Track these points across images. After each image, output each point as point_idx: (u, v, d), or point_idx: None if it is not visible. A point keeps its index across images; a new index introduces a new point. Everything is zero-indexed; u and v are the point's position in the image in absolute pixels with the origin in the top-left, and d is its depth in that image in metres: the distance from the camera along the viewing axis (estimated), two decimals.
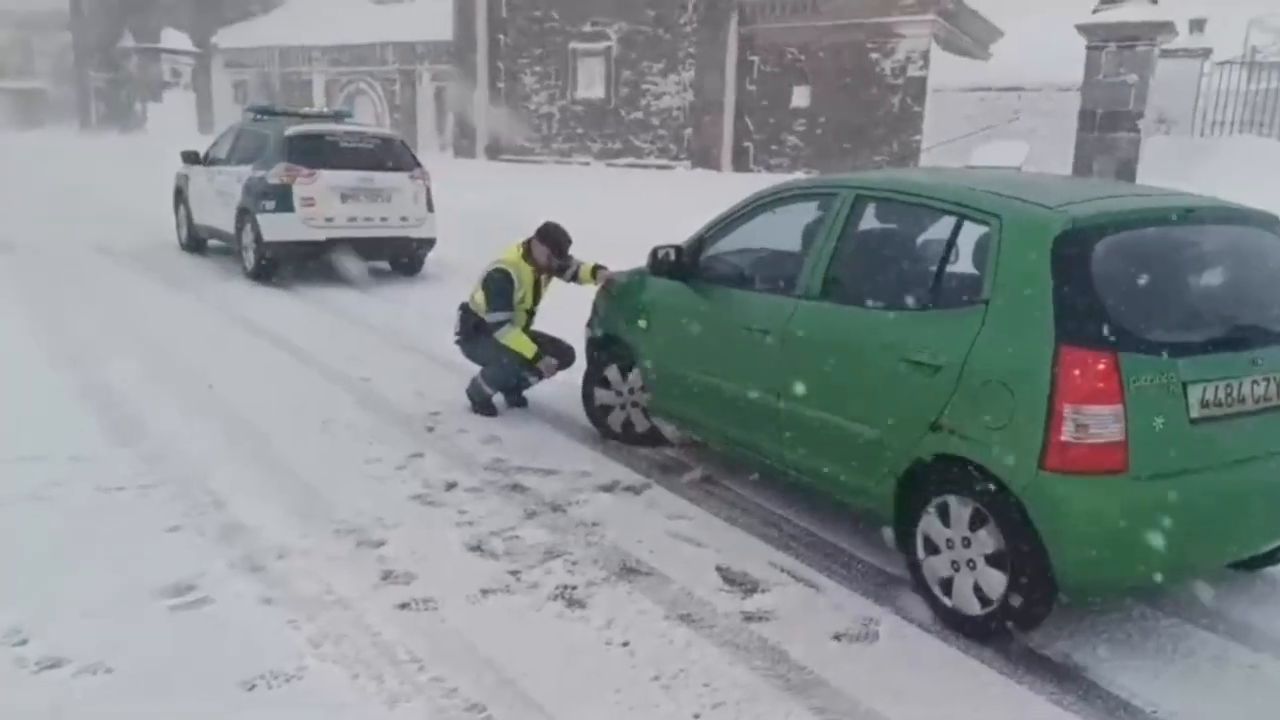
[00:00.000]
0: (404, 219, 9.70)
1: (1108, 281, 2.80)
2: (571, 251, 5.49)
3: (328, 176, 9.28)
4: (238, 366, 6.32)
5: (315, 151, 9.38)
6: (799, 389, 3.64)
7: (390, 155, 9.84)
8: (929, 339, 3.11)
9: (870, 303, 3.44)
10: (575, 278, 5.49)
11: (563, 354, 5.54)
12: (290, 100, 25.86)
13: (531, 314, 5.58)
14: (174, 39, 27.48)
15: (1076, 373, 2.70)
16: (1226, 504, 2.86)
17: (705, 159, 20.52)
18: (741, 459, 4.29)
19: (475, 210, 11.79)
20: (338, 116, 10.71)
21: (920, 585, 3.22)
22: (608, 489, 4.37)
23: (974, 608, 3.03)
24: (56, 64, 37.19)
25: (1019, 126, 16.66)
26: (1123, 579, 2.92)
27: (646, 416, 4.88)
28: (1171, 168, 12.81)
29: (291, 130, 9.48)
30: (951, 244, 3.22)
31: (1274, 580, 3.59)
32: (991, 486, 2.92)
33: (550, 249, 5.37)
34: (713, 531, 3.90)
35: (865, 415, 3.35)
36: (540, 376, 5.50)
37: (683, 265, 4.35)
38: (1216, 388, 2.80)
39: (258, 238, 9.38)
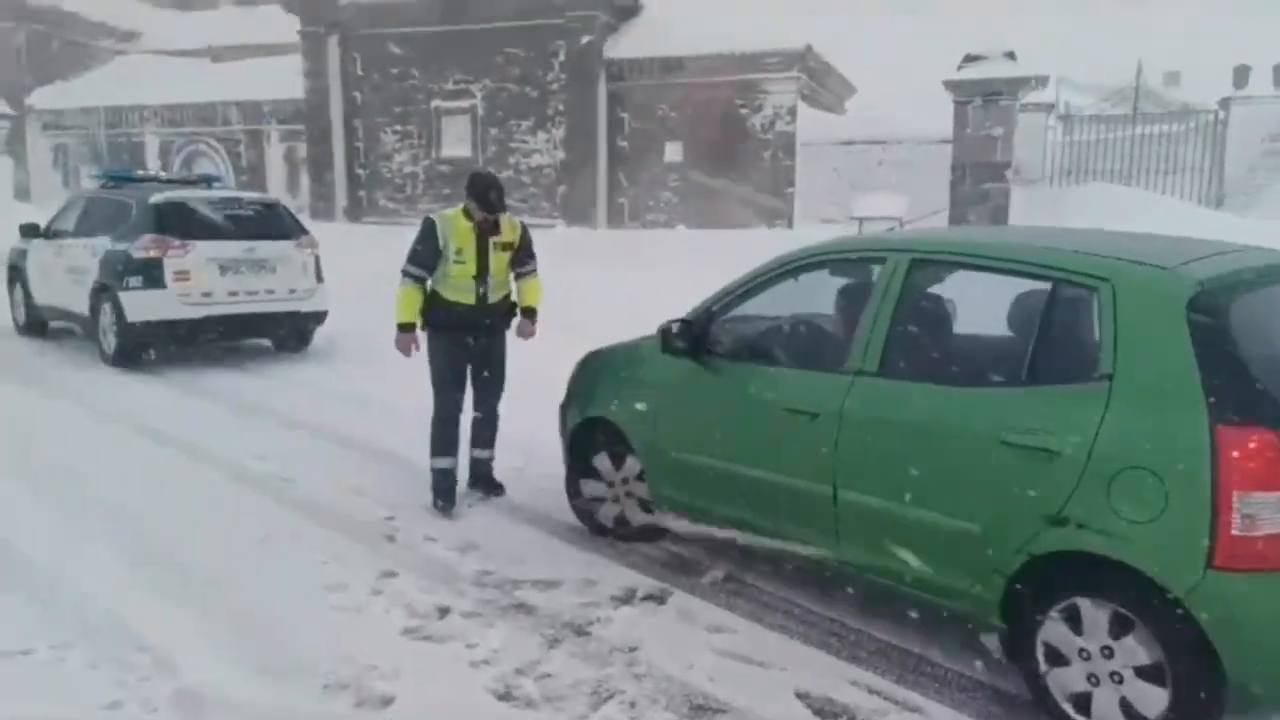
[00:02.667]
0: (292, 291, 8.84)
1: (1250, 348, 2.57)
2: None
3: (204, 248, 8.33)
4: (125, 475, 5.36)
5: (187, 220, 8.41)
6: (861, 478, 3.25)
7: (272, 222, 8.97)
8: (1036, 420, 2.79)
9: (948, 379, 3.10)
10: (520, 279, 5.10)
11: (481, 398, 5.06)
12: (120, 163, 23.94)
13: (480, 279, 4.83)
14: None
15: (1239, 454, 2.43)
16: None
17: (580, 216, 20.24)
18: (769, 553, 3.85)
19: (355, 276, 10.97)
20: (206, 181, 9.74)
21: (1047, 703, 2.85)
22: (625, 600, 3.83)
23: None
24: None
25: (884, 177, 17.27)
26: None
27: (643, 509, 4.37)
28: (1039, 216, 13.50)
29: (158, 198, 8.48)
30: (1048, 312, 2.92)
31: None
32: (1139, 588, 2.59)
33: (474, 199, 4.75)
34: (769, 647, 3.42)
35: (957, 508, 2.98)
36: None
37: (693, 340, 3.90)
38: None
39: (120, 318, 8.28)
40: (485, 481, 5.13)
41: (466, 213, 4.78)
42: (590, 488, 4.54)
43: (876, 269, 3.46)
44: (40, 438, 6.15)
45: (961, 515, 2.96)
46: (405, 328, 4.79)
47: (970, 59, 13.69)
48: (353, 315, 9.77)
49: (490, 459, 5.15)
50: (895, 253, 3.36)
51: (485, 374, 5.01)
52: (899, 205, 14.08)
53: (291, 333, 9.21)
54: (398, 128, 22.16)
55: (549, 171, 20.85)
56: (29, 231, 9.81)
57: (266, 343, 9.45)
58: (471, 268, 4.78)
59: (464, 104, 21.40)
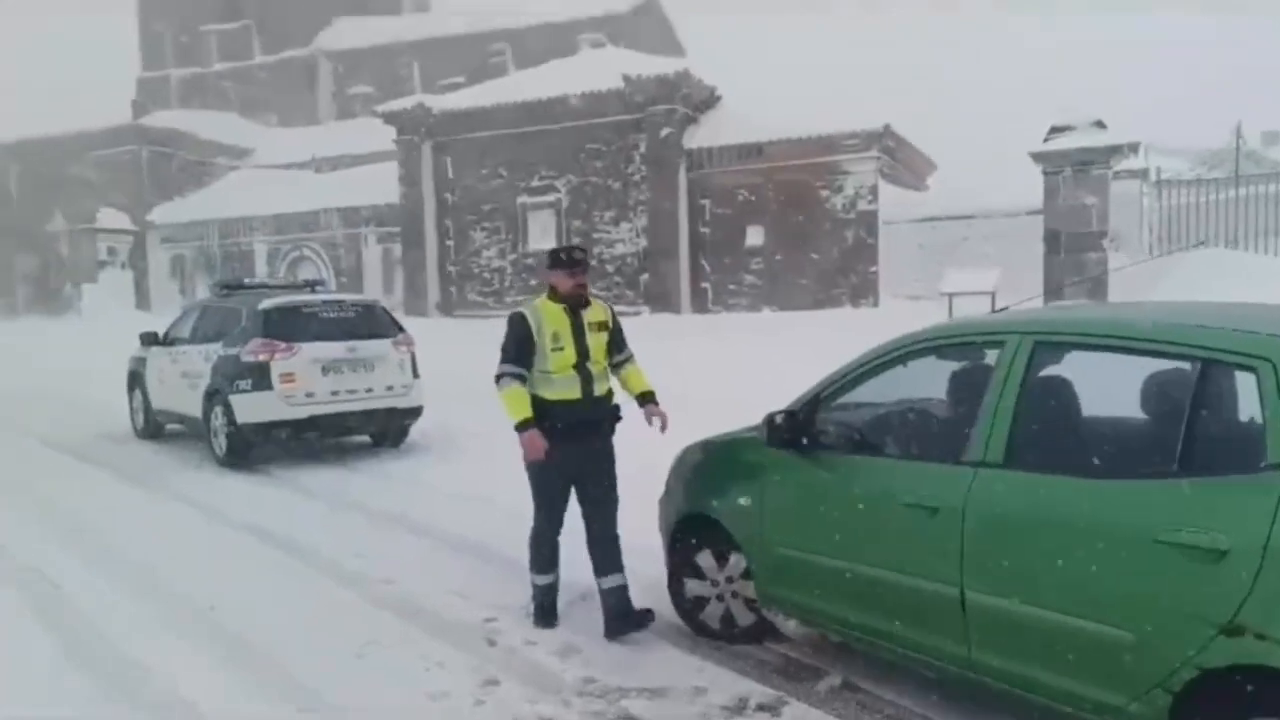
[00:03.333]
0: (389, 388, 9.03)
1: None
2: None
3: (308, 349, 8.62)
4: (232, 576, 5.42)
5: (293, 324, 8.74)
6: (994, 580, 3.02)
7: (371, 322, 9.24)
8: (1197, 515, 2.54)
9: (1085, 470, 2.88)
10: (618, 369, 4.65)
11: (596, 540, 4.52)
12: (231, 270, 25.33)
13: (581, 369, 4.37)
14: (111, 218, 26.98)
15: None
16: None
17: (664, 302, 20.39)
18: (891, 658, 3.60)
19: (448, 370, 11.16)
20: (311, 286, 10.13)
21: None
22: (737, 710, 3.61)
23: None
24: None
25: (970, 251, 16.92)
26: None
27: (751, 609, 4.18)
28: (1142, 286, 12.98)
29: (267, 304, 8.84)
30: (1196, 395, 2.70)
31: None
32: None
33: (558, 267, 4.36)
34: None
35: (1107, 614, 2.72)
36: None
37: (799, 430, 3.76)
38: None
39: (231, 420, 8.57)
40: (625, 615, 4.36)
41: (552, 295, 4.40)
42: (694, 587, 4.37)
43: (993, 351, 3.29)
44: (156, 538, 6.30)
45: (1112, 622, 2.70)
46: (524, 425, 4.29)
47: (1057, 130, 13.46)
48: (447, 409, 9.91)
49: (624, 585, 4.43)
50: (1013, 334, 3.18)
51: (597, 487, 4.49)
52: (989, 279, 13.72)
53: (389, 428, 9.37)
54: (486, 225, 22.92)
55: (632, 260, 21.16)
56: (148, 340, 10.32)
57: (365, 439, 9.62)
58: (571, 354, 4.33)
59: (549, 198, 22.04)
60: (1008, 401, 3.10)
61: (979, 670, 3.15)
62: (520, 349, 4.34)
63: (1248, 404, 2.58)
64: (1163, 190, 15.87)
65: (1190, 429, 2.68)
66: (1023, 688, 3.02)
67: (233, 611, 4.78)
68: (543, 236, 22.22)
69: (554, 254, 4.46)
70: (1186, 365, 2.75)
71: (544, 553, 4.54)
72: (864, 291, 18.56)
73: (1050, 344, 3.12)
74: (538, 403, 4.36)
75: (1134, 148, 16.44)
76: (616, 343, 4.63)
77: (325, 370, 8.69)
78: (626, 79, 19.94)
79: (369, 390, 8.90)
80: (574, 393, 4.37)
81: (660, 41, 31.87)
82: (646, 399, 4.69)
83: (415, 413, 9.32)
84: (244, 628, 4.58)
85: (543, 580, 4.58)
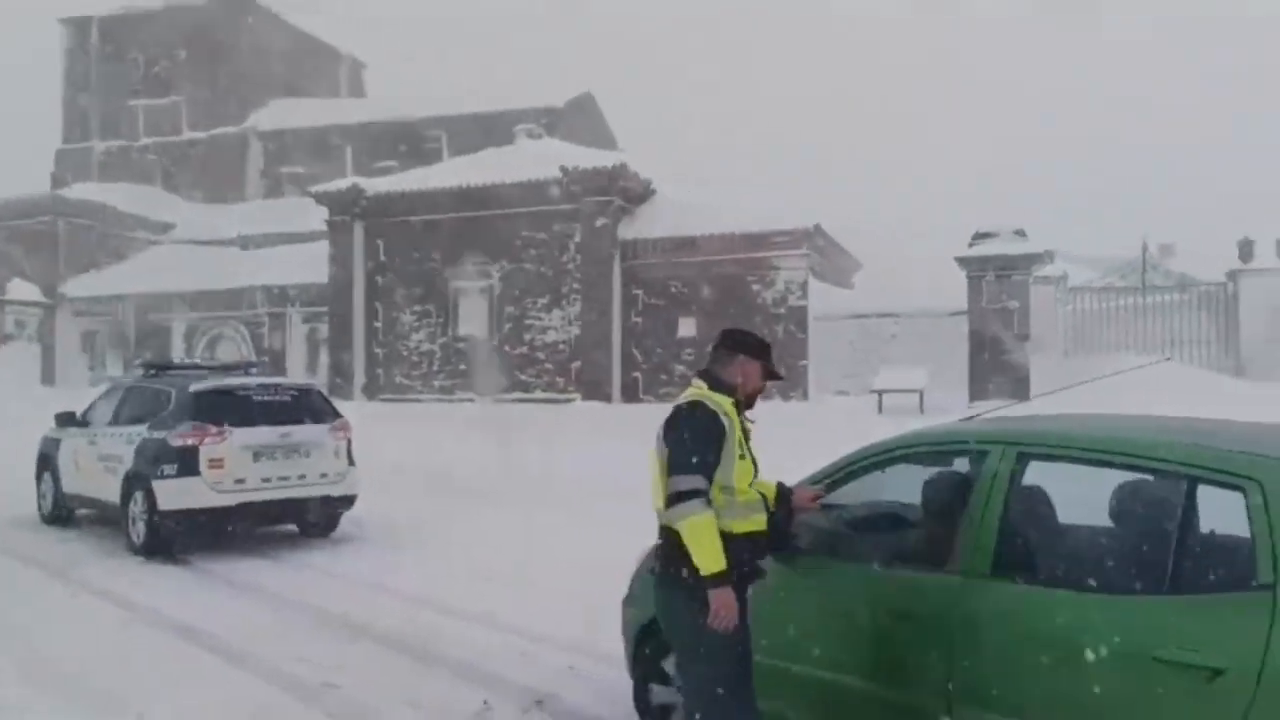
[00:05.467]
0: (324, 475, 8.74)
1: None
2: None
3: (239, 435, 8.30)
4: (161, 681, 5.06)
5: (225, 408, 8.44)
6: (982, 694, 3.00)
7: (307, 406, 8.99)
8: (1191, 633, 2.59)
9: (1077, 584, 2.91)
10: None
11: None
12: (147, 348, 24.47)
13: (758, 493, 3.33)
14: (21, 289, 25.91)
15: None
16: None
17: (595, 391, 20.38)
18: None
19: (376, 456, 10.85)
20: (245, 369, 9.82)
21: None
22: None
23: None
24: None
25: (897, 349, 17.46)
26: None
27: None
28: (1064, 391, 13.54)
29: (198, 386, 8.53)
30: (1185, 513, 2.78)
31: None
32: None
33: (762, 362, 3.41)
34: None
35: None
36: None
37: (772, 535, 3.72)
38: None
39: (152, 507, 8.14)
40: None
41: (716, 388, 3.32)
42: (660, 693, 4.23)
43: (974, 460, 3.35)
44: (61, 636, 5.86)
45: None
46: (721, 578, 3.08)
47: (981, 236, 14.15)
48: (376, 497, 9.63)
49: None
50: (996, 444, 3.25)
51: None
52: (918, 378, 14.14)
53: (321, 518, 9.03)
54: (416, 308, 22.74)
55: (564, 347, 21.18)
56: (64, 420, 9.81)
57: (293, 528, 9.24)
58: (751, 468, 3.31)
59: (481, 284, 22.04)
60: (992, 510, 3.14)
61: None
62: (709, 456, 3.15)
63: (1236, 523, 2.67)
64: (1076, 297, 16.75)
65: (1181, 545, 2.75)
66: None
67: None
68: (474, 321, 22.16)
69: (739, 335, 3.48)
70: (1177, 481, 2.83)
71: None
72: (794, 385, 18.89)
73: (1033, 455, 3.19)
74: (724, 540, 3.14)
75: (1050, 255, 17.42)
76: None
77: (257, 456, 8.37)
78: (564, 170, 20.30)
79: (302, 477, 8.59)
80: (761, 521, 3.29)
81: (595, 135, 32.65)
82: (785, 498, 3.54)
83: (349, 501, 9.01)
84: None
85: None
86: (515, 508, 9.79)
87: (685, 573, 3.14)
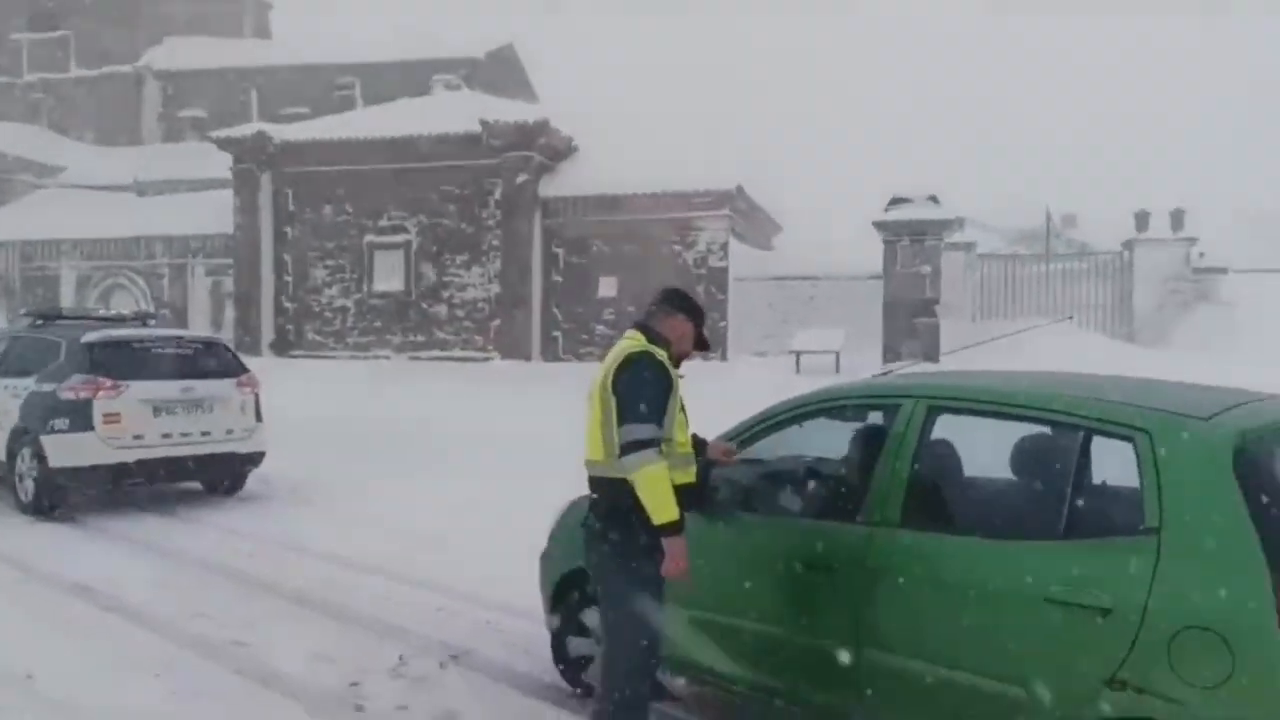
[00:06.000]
0: (229, 432, 8.45)
1: None
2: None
3: (137, 388, 7.94)
4: (53, 641, 4.85)
5: (121, 360, 8.05)
6: (887, 637, 3.10)
7: (212, 360, 8.66)
8: (1081, 575, 2.71)
9: (980, 530, 3.01)
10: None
11: None
12: (34, 297, 23.20)
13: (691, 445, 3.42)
14: None
15: None
16: None
17: (514, 350, 20.19)
18: (780, 715, 3.61)
19: (287, 413, 10.55)
20: (143, 319, 9.38)
21: None
22: None
23: None
24: None
25: (815, 311, 17.75)
26: None
27: None
28: (969, 351, 13.99)
29: (91, 337, 8.11)
30: (1080, 461, 2.90)
31: None
32: None
33: (692, 320, 3.45)
34: None
35: (1000, 670, 2.84)
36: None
37: (689, 489, 3.75)
38: None
39: (41, 464, 7.75)
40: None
41: (655, 342, 3.33)
42: (577, 645, 4.26)
43: (886, 413, 3.42)
44: None
45: (1004, 678, 2.82)
46: (676, 527, 3.11)
47: (896, 201, 14.41)
48: (286, 455, 9.39)
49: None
50: (908, 398, 3.32)
51: None
52: (835, 339, 14.41)
53: (226, 475, 8.75)
54: (329, 262, 22.06)
55: (483, 305, 20.88)
56: None
57: (197, 485, 8.94)
58: (685, 421, 3.38)
59: (398, 239, 21.49)
60: (903, 463, 3.21)
61: None
62: (661, 406, 3.14)
63: (1127, 471, 2.78)
64: (984, 263, 17.25)
65: (1074, 493, 2.86)
66: None
67: (55, 680, 4.27)
68: (390, 277, 21.63)
69: (681, 297, 3.50)
70: (1073, 433, 2.95)
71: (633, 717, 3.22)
72: (713, 345, 19.00)
73: (943, 408, 3.27)
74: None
75: (961, 222, 17.88)
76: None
77: (157, 411, 8.04)
78: (484, 124, 19.86)
79: (206, 434, 8.29)
80: (693, 474, 3.35)
81: (515, 88, 31.97)
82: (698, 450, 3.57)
83: (256, 459, 8.75)
84: (69, 697, 4.09)
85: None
86: (431, 466, 9.66)
87: (632, 522, 3.15)
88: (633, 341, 3.34)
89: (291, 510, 8.33)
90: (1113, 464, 2.87)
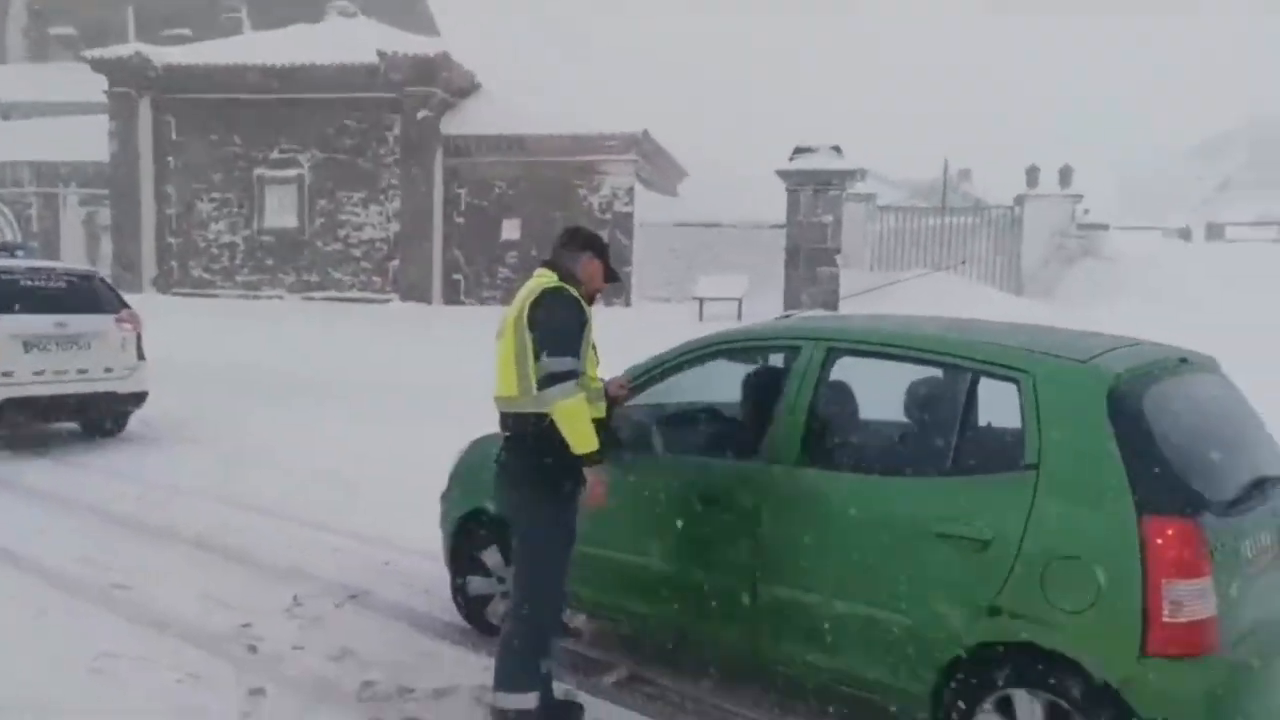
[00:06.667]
0: (108, 370, 8.03)
1: (1164, 439, 2.73)
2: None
3: (6, 322, 7.45)
4: None
5: None
6: (785, 572, 3.20)
7: (88, 295, 8.18)
8: (966, 509, 2.84)
9: (874, 468, 3.12)
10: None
11: None
12: None
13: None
14: None
15: (1164, 544, 2.54)
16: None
17: (414, 292, 19.73)
18: (680, 648, 3.72)
19: (170, 352, 10.08)
20: (10, 250, 8.76)
21: None
22: None
23: None
24: None
25: (719, 258, 17.89)
26: None
27: None
28: (868, 299, 14.36)
29: None
30: (967, 402, 3.02)
31: None
32: (1074, 678, 2.64)
33: (604, 263, 3.46)
34: None
35: (888, 600, 2.97)
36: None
37: None
38: (1256, 541, 2.81)
39: None
40: (553, 706, 3.40)
41: (568, 281, 3.33)
42: (477, 584, 4.26)
43: (787, 355, 3.49)
44: None
45: (892, 608, 2.96)
46: (597, 458, 3.16)
47: (801, 150, 14.55)
48: (169, 395, 9.00)
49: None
50: (808, 340, 3.39)
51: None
52: (738, 286, 14.58)
53: (106, 415, 8.34)
54: (215, 195, 21.05)
55: (381, 245, 20.30)
56: None
57: (75, 426, 8.50)
58: (597, 359, 3.41)
59: (290, 173, 20.61)
60: (802, 402, 3.29)
61: (767, 657, 3.33)
62: (578, 340, 3.17)
63: (1010, 411, 2.92)
64: (883, 215, 17.66)
65: (962, 432, 2.99)
66: (806, 672, 3.22)
67: None
68: (282, 213, 20.77)
69: (585, 234, 3.49)
70: (959, 373, 3.07)
71: (541, 650, 3.26)
72: (617, 291, 18.99)
73: (842, 350, 3.35)
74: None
75: (863, 173, 18.19)
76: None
77: (28, 347, 7.57)
78: (382, 55, 19.08)
79: (83, 371, 7.86)
80: (603, 410, 3.35)
81: (416, 20, 30.75)
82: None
83: (138, 399, 8.35)
84: None
85: (525, 701, 3.21)
86: (326, 407, 9.42)
87: (546, 457, 3.16)
88: (546, 278, 3.33)
89: (179, 452, 8.02)
90: (1005, 407, 2.99)
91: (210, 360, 12.04)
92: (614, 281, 3.54)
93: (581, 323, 3.22)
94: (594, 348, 3.37)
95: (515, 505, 3.34)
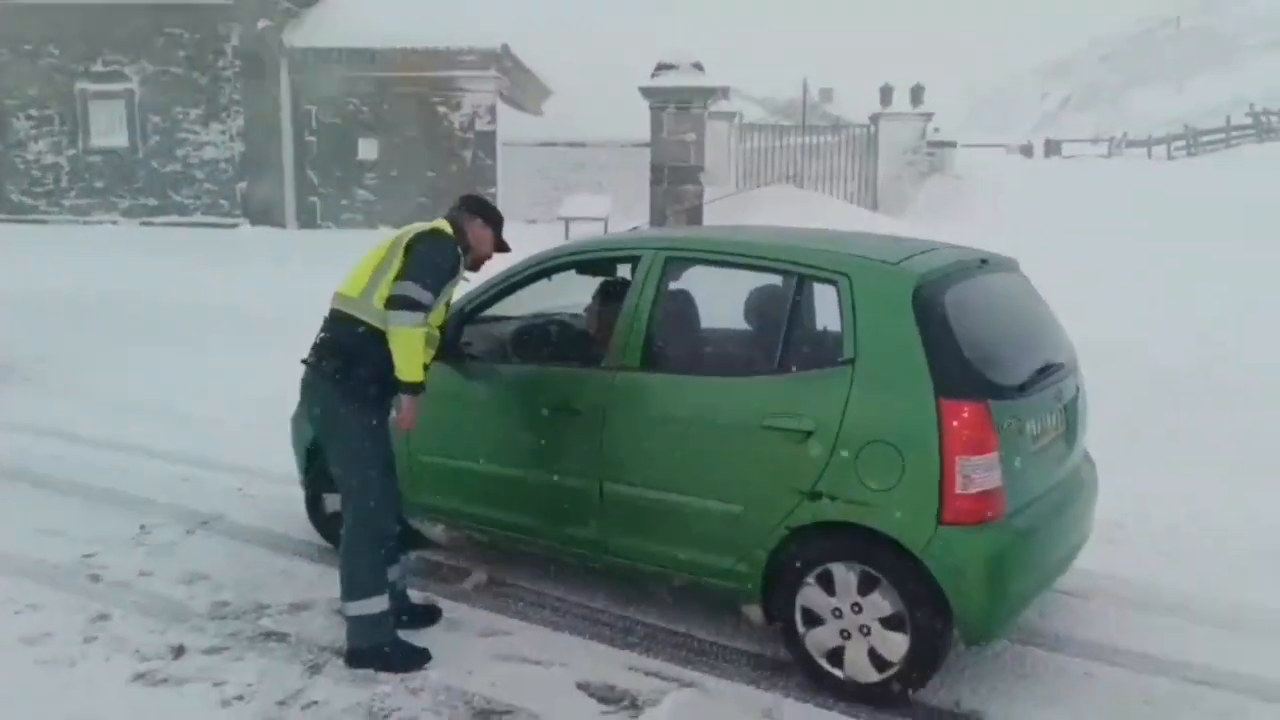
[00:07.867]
0: None
1: (961, 332, 2.97)
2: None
3: None
4: None
5: None
6: (628, 471, 3.36)
7: None
8: (791, 403, 3.04)
9: (709, 370, 3.28)
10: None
11: None
12: None
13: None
14: None
15: (959, 425, 2.81)
16: (1057, 524, 3.19)
17: (266, 216, 18.80)
18: (531, 552, 3.85)
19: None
20: None
21: (804, 661, 3.11)
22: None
23: (870, 674, 2.99)
24: None
25: (585, 178, 17.77)
26: (1015, 618, 3.09)
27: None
28: (731, 214, 14.62)
29: None
30: (794, 304, 3.20)
31: (1079, 595, 3.80)
32: (883, 548, 2.92)
33: (495, 233, 3.54)
34: (543, 644, 3.42)
35: (722, 491, 3.17)
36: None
37: (443, 341, 3.79)
38: (1040, 422, 3.13)
39: None
40: (412, 611, 3.55)
41: (458, 239, 3.40)
42: (332, 501, 4.25)
43: (630, 266, 3.59)
44: None
45: (726, 499, 3.16)
46: (421, 388, 3.26)
47: (663, 67, 14.50)
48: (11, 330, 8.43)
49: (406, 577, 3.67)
50: (648, 250, 3.50)
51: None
52: (603, 205, 14.58)
53: None
54: (33, 112, 19.33)
55: (226, 166, 19.17)
56: None
57: None
58: (445, 312, 3.54)
59: (117, 87, 19.10)
60: (643, 310, 3.41)
61: (614, 553, 3.50)
62: (442, 283, 3.29)
63: (831, 311, 3.12)
64: (745, 133, 17.88)
65: (788, 333, 3.19)
66: (650, 563, 3.42)
67: None
68: (111, 132, 19.25)
69: (479, 202, 3.57)
70: (788, 279, 3.25)
71: (379, 556, 3.31)
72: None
73: (680, 259, 3.48)
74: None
75: (725, 91, 18.26)
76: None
77: None
78: None
79: None
80: (430, 356, 3.44)
81: None
82: None
83: None
84: None
85: (375, 606, 3.27)
86: (170, 339, 8.98)
87: (363, 368, 3.23)
88: (442, 224, 3.43)
89: (10, 388, 7.53)
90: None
91: (36, 291, 11.20)
92: (504, 251, 3.62)
93: (453, 272, 3.33)
94: (448, 304, 3.51)
95: (325, 416, 3.38)
